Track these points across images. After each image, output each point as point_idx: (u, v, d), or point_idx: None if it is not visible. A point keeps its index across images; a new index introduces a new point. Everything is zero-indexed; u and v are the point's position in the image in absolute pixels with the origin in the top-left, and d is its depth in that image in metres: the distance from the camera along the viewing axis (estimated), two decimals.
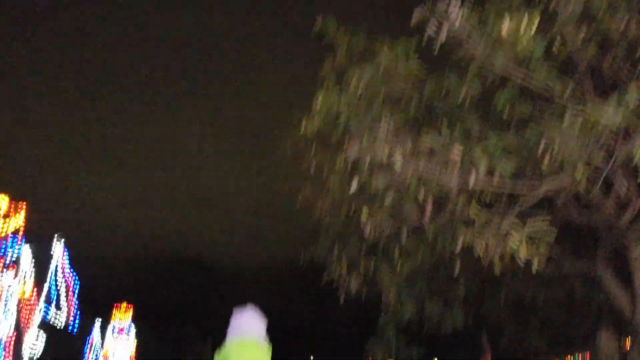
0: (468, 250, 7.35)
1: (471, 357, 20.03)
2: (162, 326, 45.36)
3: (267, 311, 3.87)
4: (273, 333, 3.84)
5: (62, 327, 14.81)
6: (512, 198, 7.72)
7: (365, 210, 7.70)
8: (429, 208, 7.43)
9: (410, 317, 11.24)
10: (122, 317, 33.44)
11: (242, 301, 3.89)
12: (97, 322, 31.65)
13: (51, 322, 14.60)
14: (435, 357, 20.97)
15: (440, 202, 7.62)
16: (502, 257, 6.98)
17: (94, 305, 33.67)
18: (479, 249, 7.02)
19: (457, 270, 8.19)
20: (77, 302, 15.18)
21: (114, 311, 33.36)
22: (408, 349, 17.06)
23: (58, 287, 15.05)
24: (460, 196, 7.36)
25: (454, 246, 7.35)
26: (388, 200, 7.39)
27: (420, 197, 7.28)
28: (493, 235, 6.96)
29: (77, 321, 15.00)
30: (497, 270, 7.08)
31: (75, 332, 15.34)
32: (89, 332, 31.17)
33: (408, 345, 16.94)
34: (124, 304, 33.75)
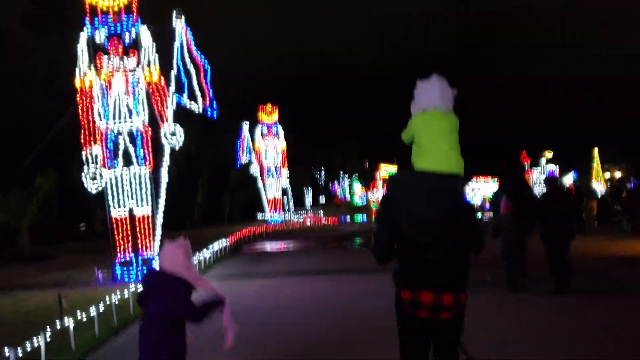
0: None
1: None
2: (310, 128, 44.94)
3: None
4: None
5: (200, 113, 12.88)
6: None
7: None
8: None
9: None
10: (269, 118, 32.61)
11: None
12: (245, 124, 31.10)
13: (187, 107, 12.71)
14: None
15: None
16: None
17: (240, 108, 33.27)
18: None
19: None
20: (210, 86, 13.02)
21: (260, 113, 32.54)
22: None
23: (187, 70, 12.91)
24: None
25: None
26: None
27: None
28: None
29: (215, 104, 12.92)
30: None
31: (216, 118, 13.41)
32: (237, 135, 30.93)
33: None
34: (269, 105, 32.70)
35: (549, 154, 45.62)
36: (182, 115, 17.81)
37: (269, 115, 32.47)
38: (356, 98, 55.53)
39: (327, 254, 17.33)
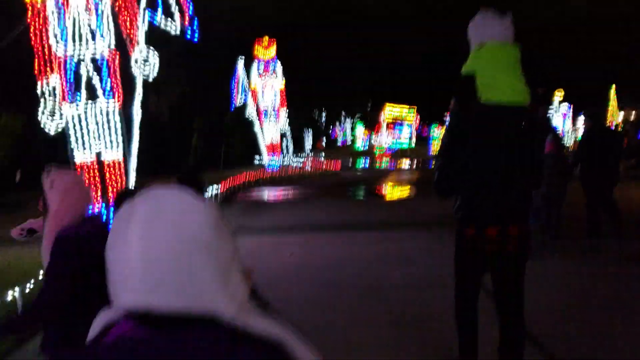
0: None
1: None
2: (310, 65, 42.15)
3: None
4: None
5: (177, 34, 10.48)
6: None
7: None
8: None
9: None
10: (266, 53, 29.90)
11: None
12: (240, 60, 28.45)
13: (161, 27, 10.33)
14: None
15: None
16: None
17: (235, 43, 30.50)
18: None
19: None
20: (191, 2, 10.57)
21: (256, 46, 29.76)
22: None
23: None
24: None
25: None
26: None
27: None
28: None
29: (195, 27, 10.51)
30: None
31: (197, 42, 11.00)
32: (232, 73, 28.35)
33: None
34: (266, 38, 29.89)
35: (559, 93, 43.17)
36: (173, 54, 15.32)
37: (266, 50, 29.70)
38: (361, 33, 52.18)
39: (333, 204, 15.31)
